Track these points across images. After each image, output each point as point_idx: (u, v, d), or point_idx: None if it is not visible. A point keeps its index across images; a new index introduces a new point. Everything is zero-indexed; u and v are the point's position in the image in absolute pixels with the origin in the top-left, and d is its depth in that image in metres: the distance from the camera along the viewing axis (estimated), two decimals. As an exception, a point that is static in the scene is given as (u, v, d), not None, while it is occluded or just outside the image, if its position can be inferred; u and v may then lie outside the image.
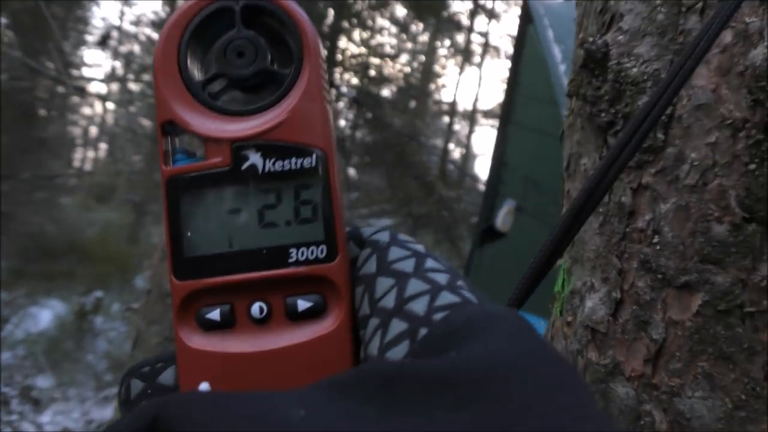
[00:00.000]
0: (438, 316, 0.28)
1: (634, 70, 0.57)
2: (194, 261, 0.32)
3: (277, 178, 0.32)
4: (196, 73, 0.33)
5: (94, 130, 15.42)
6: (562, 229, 0.42)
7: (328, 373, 0.25)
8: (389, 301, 0.30)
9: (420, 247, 0.33)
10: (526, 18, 3.72)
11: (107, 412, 4.93)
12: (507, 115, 4.38)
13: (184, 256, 0.32)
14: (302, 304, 0.32)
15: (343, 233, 0.32)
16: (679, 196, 0.55)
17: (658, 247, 0.56)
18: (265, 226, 0.32)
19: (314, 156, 0.32)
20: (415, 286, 0.30)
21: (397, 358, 0.28)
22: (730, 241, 0.52)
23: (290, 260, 0.32)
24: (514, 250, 4.27)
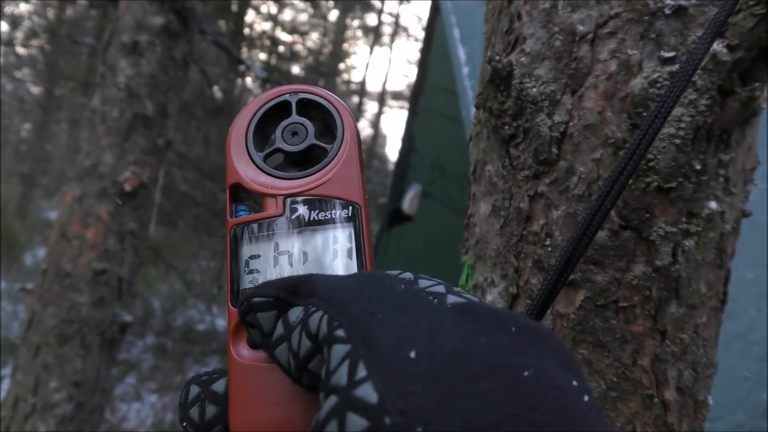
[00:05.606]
0: None
1: (534, 90, 0.63)
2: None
3: (320, 226, 0.40)
4: (259, 149, 0.42)
5: (-26, 95, 14.19)
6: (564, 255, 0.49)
7: None
8: None
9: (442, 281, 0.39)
10: (436, 10, 3.79)
11: (-7, 398, 4.65)
12: (416, 102, 4.47)
13: (240, 288, 0.39)
14: None
15: (372, 270, 0.39)
16: (569, 204, 0.62)
17: (549, 249, 0.63)
18: (308, 264, 0.39)
19: (350, 209, 0.40)
20: (457, 299, 0.35)
21: None
22: (609, 245, 0.60)
23: None
24: (421, 233, 4.42)
